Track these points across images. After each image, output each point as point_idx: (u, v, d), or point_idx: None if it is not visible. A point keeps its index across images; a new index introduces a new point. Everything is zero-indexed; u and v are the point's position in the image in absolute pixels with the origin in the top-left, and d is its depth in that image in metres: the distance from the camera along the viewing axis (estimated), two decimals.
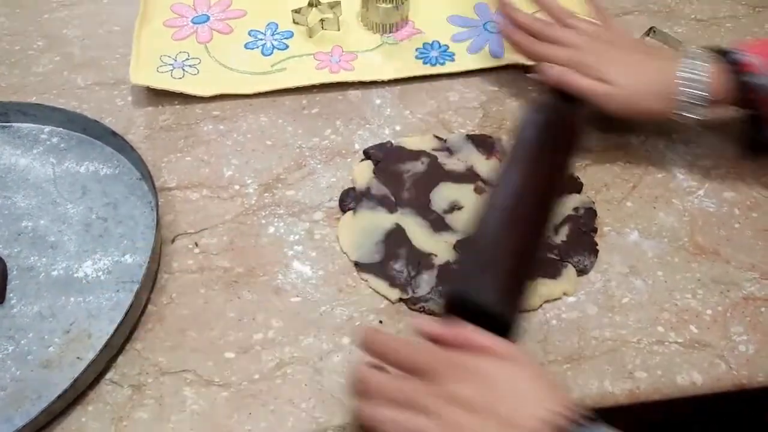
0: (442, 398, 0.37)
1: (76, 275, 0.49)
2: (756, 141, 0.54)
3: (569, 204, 0.53)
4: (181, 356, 0.46)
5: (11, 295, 0.48)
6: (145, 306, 0.48)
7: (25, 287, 0.49)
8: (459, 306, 0.42)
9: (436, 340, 0.40)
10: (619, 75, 0.53)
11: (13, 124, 0.59)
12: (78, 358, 0.45)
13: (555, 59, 0.55)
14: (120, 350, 0.46)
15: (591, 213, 0.53)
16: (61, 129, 0.58)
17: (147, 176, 0.52)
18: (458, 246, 0.49)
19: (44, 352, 0.45)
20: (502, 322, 0.41)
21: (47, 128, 0.58)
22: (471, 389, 0.37)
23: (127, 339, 0.46)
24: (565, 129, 0.51)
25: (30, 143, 0.57)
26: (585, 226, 0.52)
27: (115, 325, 0.43)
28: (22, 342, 0.46)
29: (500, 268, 0.42)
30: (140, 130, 0.58)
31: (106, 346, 0.43)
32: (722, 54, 0.52)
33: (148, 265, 0.46)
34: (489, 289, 0.41)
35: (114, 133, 0.55)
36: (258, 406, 0.44)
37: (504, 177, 0.48)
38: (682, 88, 0.51)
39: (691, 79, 0.51)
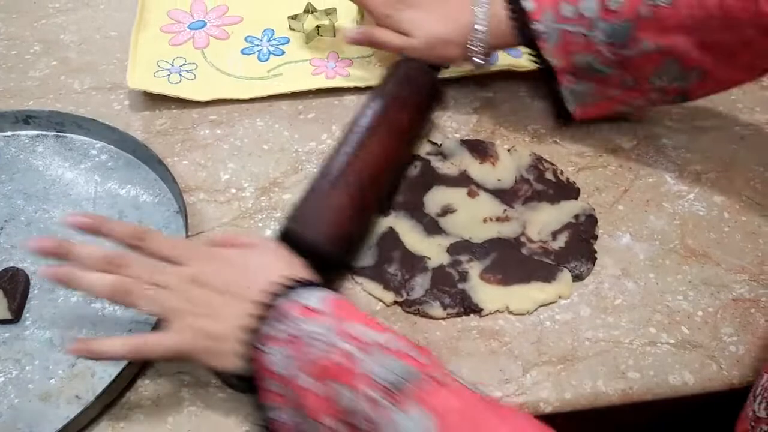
0: (183, 277, 0.41)
1: (93, 305, 0.48)
2: (557, 95, 0.57)
3: (569, 211, 0.54)
4: None
5: (27, 315, 0.48)
6: None
7: (43, 309, 0.48)
8: (289, 240, 0.46)
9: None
10: (415, 25, 0.56)
11: (68, 135, 0.59)
12: (77, 396, 0.44)
13: (366, 4, 0.59)
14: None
15: (592, 220, 0.53)
16: (111, 147, 0.58)
17: (183, 211, 0.52)
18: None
19: (45, 383, 0.45)
20: (325, 257, 0.46)
21: (99, 144, 0.58)
22: (210, 270, 0.42)
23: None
24: (417, 84, 0.55)
25: (80, 157, 0.58)
26: (585, 233, 0.53)
27: (119, 369, 0.43)
28: (27, 368, 0.45)
29: (330, 209, 0.47)
30: (137, 134, 0.58)
31: (103, 392, 0.42)
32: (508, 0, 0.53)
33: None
34: (313, 225, 0.46)
35: (160, 161, 0.54)
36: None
37: (352, 125, 0.52)
38: (471, 35, 0.54)
39: (477, 27, 0.54)
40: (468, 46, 0.55)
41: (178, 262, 0.43)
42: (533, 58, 0.56)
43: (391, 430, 0.34)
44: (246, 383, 0.40)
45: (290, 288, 0.40)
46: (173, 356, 0.41)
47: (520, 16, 0.53)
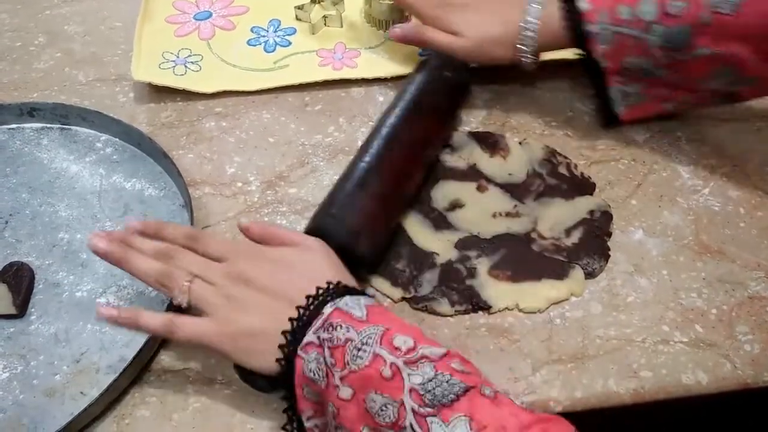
0: (227, 274, 0.42)
1: (98, 300, 0.48)
2: (603, 97, 0.56)
3: (583, 207, 0.53)
4: (183, 354, 0.46)
5: (32, 309, 0.47)
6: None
7: (47, 304, 0.48)
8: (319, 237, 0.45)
9: (248, 236, 0.45)
10: (466, 25, 0.56)
11: (73, 127, 0.58)
12: (81, 393, 0.44)
13: (413, 6, 0.59)
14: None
15: (607, 217, 0.52)
16: (116, 140, 0.57)
17: (188, 205, 0.51)
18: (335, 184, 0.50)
19: (50, 379, 0.44)
20: (356, 256, 0.45)
21: (104, 137, 0.58)
22: (254, 269, 0.41)
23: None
24: (446, 81, 0.55)
25: (85, 149, 0.57)
26: (599, 230, 0.51)
27: (124, 364, 0.43)
28: (32, 364, 0.45)
29: (359, 206, 0.46)
30: (142, 126, 0.58)
31: (108, 389, 0.42)
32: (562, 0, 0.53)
33: (168, 306, 0.45)
34: (343, 224, 0.45)
35: (165, 154, 0.53)
36: (261, 405, 0.43)
37: (379, 123, 0.51)
38: (521, 35, 0.54)
39: (528, 27, 0.53)
40: (517, 46, 0.54)
41: (225, 259, 0.43)
42: (580, 57, 0.55)
43: None
44: (270, 383, 0.40)
45: (334, 294, 0.39)
46: (203, 343, 0.40)
47: (573, 17, 0.52)
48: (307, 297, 0.39)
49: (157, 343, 0.45)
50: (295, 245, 0.44)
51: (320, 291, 0.40)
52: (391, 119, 0.51)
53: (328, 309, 0.38)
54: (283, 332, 0.38)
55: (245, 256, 0.43)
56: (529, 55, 0.55)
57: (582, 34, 0.52)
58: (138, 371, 0.44)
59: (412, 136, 0.51)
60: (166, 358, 0.45)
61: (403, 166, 0.50)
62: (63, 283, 0.49)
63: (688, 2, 0.48)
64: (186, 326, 0.41)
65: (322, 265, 0.42)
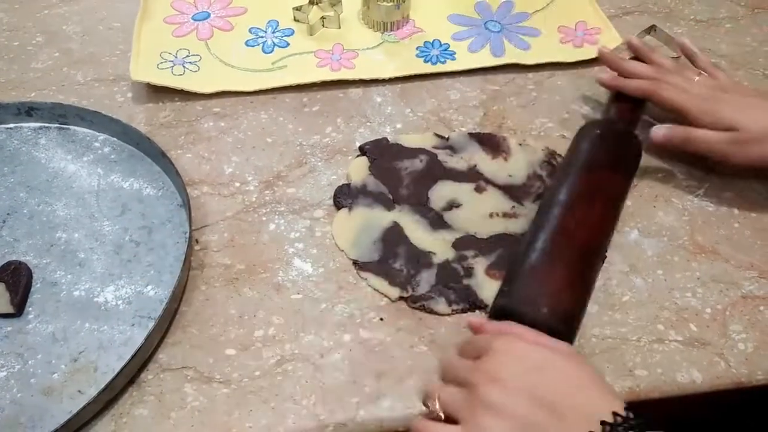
0: (479, 372, 0.37)
1: (96, 299, 0.48)
2: None
3: None
4: (181, 353, 0.46)
5: (30, 308, 0.47)
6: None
7: (45, 303, 0.48)
8: (510, 319, 0.42)
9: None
10: (748, 119, 0.49)
11: (71, 127, 0.58)
12: (79, 391, 0.44)
13: (678, 104, 0.52)
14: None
15: None
16: (115, 139, 0.58)
17: (187, 205, 0.51)
18: (510, 258, 0.47)
19: (48, 378, 0.44)
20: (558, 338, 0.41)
21: (102, 136, 0.58)
22: (510, 368, 0.37)
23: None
24: (626, 148, 0.50)
25: (82, 149, 0.57)
26: None
27: (122, 363, 0.42)
28: (30, 362, 0.45)
29: (557, 283, 0.43)
30: (140, 126, 0.58)
31: (106, 387, 0.42)
32: None
33: (166, 306, 0.45)
34: (545, 305, 0.42)
35: (163, 154, 0.53)
36: (259, 403, 0.43)
37: (559, 190, 0.47)
38: None
39: None
40: None
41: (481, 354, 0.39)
42: None
43: None
44: None
45: (630, 428, 0.34)
46: None
47: None
48: (601, 425, 0.34)
49: (155, 341, 0.45)
50: (543, 346, 0.38)
51: (614, 422, 0.34)
52: (572, 184, 0.48)
53: None
54: None
55: (499, 351, 0.38)
56: None
57: None
58: (136, 370, 0.44)
59: (597, 201, 0.47)
60: (164, 357, 0.45)
61: (591, 236, 0.46)
62: (61, 282, 0.49)
63: None
64: None
65: (595, 381, 0.37)
